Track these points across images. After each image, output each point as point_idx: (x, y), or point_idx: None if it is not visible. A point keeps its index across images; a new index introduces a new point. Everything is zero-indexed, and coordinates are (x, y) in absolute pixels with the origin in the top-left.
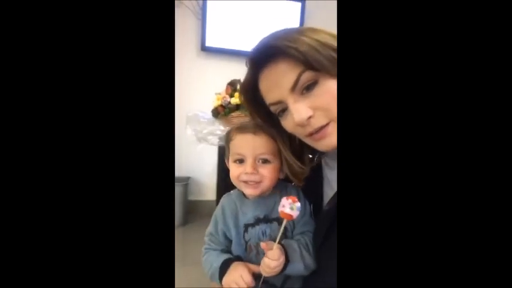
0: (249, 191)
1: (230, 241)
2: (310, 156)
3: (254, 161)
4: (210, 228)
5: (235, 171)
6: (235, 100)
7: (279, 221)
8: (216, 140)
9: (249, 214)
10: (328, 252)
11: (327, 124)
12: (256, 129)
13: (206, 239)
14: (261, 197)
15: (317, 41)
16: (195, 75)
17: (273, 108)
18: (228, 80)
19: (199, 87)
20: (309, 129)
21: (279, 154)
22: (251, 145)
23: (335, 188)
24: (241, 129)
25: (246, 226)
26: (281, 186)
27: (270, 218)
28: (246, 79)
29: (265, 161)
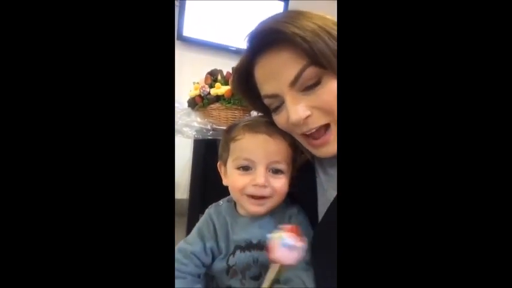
0: (254, 209)
1: (213, 261)
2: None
3: (266, 170)
4: (192, 246)
5: (239, 181)
6: (216, 91)
7: None
8: (192, 133)
9: (240, 235)
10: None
11: (328, 130)
12: (270, 129)
13: (179, 255)
14: (259, 216)
15: (327, 32)
16: None
17: (267, 101)
18: (205, 71)
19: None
20: (304, 129)
21: (292, 163)
22: (264, 149)
23: (329, 196)
24: (251, 127)
25: (235, 249)
26: (287, 209)
27: (265, 246)
28: (241, 62)
29: (277, 171)
